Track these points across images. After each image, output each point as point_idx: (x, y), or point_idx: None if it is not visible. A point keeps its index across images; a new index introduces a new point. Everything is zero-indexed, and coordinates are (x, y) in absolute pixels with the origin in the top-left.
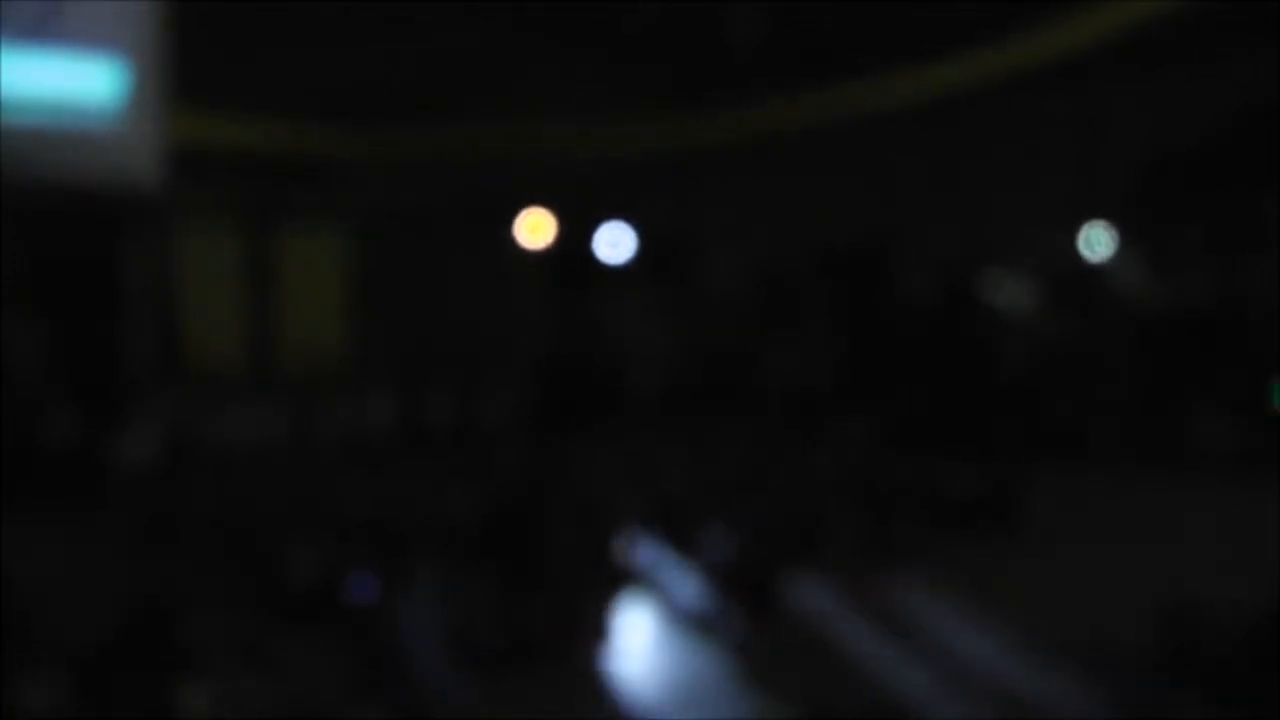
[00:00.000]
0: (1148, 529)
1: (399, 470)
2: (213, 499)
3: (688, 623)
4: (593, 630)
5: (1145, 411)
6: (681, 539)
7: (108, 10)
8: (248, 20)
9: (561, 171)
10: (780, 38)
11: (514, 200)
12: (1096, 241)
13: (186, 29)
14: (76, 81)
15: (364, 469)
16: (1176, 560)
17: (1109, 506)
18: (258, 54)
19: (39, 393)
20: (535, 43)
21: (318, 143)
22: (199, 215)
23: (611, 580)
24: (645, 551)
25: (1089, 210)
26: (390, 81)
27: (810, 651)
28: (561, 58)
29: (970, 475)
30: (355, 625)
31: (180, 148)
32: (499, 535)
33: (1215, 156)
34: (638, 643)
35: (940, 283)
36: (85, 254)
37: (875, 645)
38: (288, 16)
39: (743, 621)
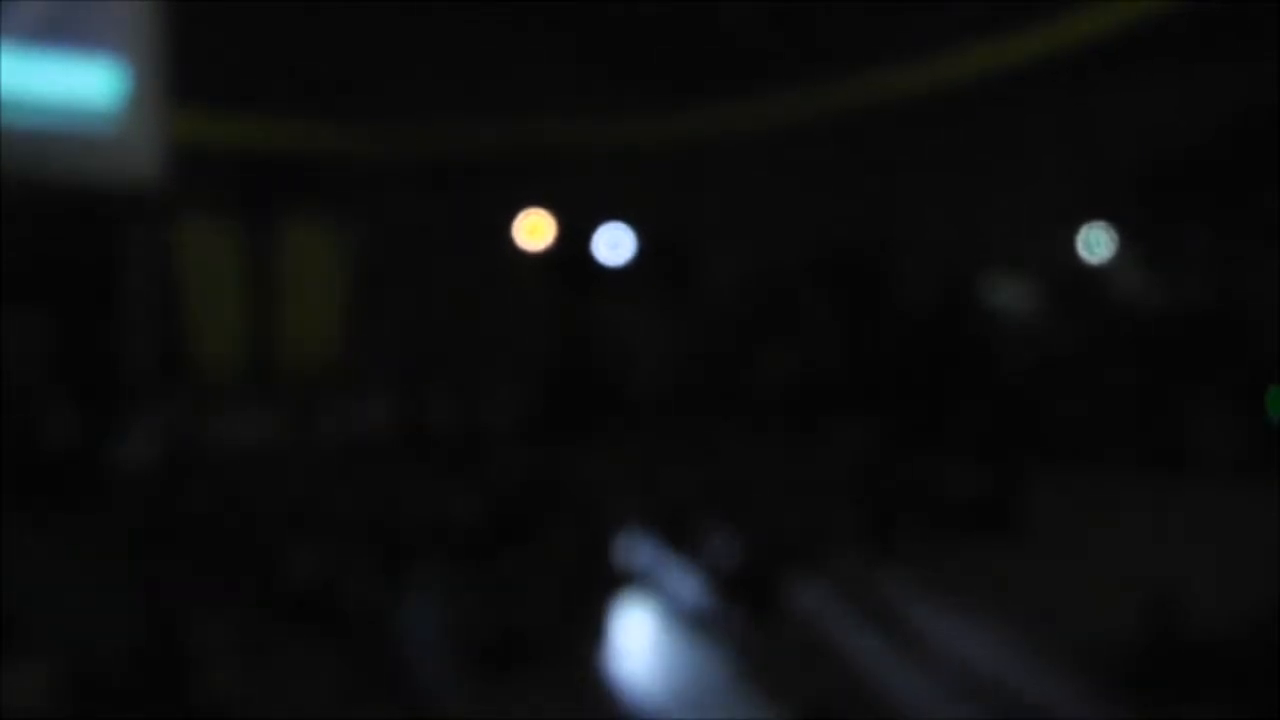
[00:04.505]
0: (1147, 531)
1: (399, 472)
2: (213, 501)
3: (688, 623)
4: (592, 631)
5: (1145, 413)
6: (682, 540)
7: (107, 11)
8: (247, 20)
9: (561, 172)
10: (780, 37)
11: (513, 201)
12: (1096, 243)
13: (186, 29)
14: (76, 83)
15: (364, 470)
16: (1175, 563)
17: (1108, 508)
18: (257, 53)
19: (39, 394)
20: (535, 42)
21: (318, 142)
22: (199, 216)
23: (611, 581)
24: (645, 553)
25: (1088, 211)
26: (389, 80)
27: (810, 651)
28: (561, 57)
29: (970, 477)
30: (355, 625)
31: (180, 148)
32: (498, 536)
33: (1215, 156)
34: (638, 643)
35: (940, 284)
36: (85, 255)
37: (875, 645)
38: (287, 16)
39: (743, 622)
